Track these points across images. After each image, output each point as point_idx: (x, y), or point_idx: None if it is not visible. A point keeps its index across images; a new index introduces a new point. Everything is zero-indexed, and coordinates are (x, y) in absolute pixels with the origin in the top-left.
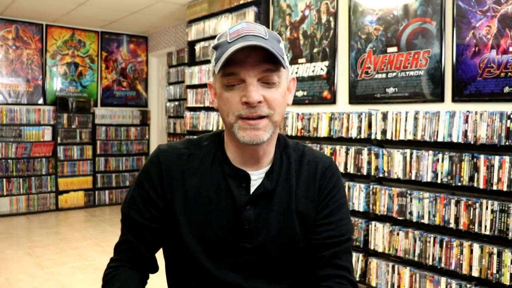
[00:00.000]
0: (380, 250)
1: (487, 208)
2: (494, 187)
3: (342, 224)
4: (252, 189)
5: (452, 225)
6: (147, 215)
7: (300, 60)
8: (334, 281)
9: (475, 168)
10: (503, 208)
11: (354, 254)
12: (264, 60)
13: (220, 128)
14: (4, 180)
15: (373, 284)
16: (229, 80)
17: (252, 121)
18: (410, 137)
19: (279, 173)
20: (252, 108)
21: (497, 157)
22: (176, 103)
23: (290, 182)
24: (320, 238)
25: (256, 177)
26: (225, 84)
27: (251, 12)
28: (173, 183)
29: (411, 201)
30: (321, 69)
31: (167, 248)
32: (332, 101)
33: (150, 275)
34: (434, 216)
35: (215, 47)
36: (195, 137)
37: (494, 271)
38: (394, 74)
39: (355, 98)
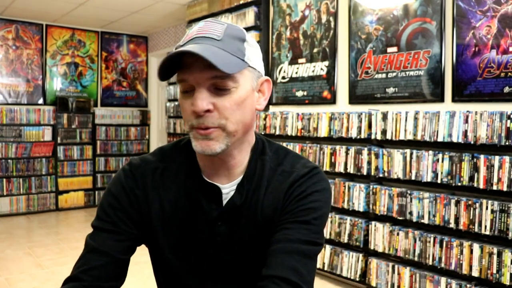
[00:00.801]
0: (380, 250)
1: (487, 208)
2: (494, 187)
3: (306, 228)
4: (224, 202)
5: (452, 225)
6: (118, 230)
7: (300, 60)
8: (273, 281)
9: (475, 168)
10: (503, 208)
11: (354, 254)
12: (211, 65)
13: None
14: (4, 180)
15: (373, 284)
16: (183, 86)
17: (203, 131)
18: (410, 137)
19: (251, 184)
20: (200, 118)
21: (497, 157)
22: (176, 103)
23: (259, 193)
24: (277, 235)
25: (228, 189)
26: (181, 90)
27: (251, 12)
28: (148, 198)
29: (411, 201)
30: (321, 69)
31: (153, 262)
32: (332, 101)
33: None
34: (434, 216)
35: (176, 48)
36: (167, 144)
37: (494, 271)
38: (394, 74)
39: (355, 98)
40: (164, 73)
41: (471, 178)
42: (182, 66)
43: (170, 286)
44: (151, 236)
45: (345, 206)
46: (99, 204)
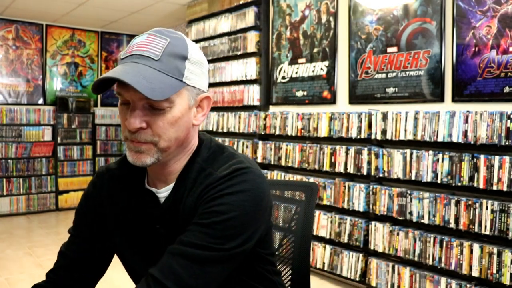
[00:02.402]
0: (380, 250)
1: (487, 208)
2: (494, 187)
3: (204, 231)
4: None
5: (452, 225)
6: (83, 235)
7: (300, 60)
8: (147, 281)
9: (475, 168)
10: (503, 208)
11: (354, 254)
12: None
13: (220, 128)
14: (4, 180)
15: (373, 284)
16: (121, 99)
17: (135, 143)
18: (410, 137)
19: (184, 187)
20: (133, 134)
21: (497, 157)
22: None
23: (185, 195)
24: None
25: (164, 194)
26: (120, 101)
27: (251, 12)
28: (103, 204)
29: (411, 201)
30: (321, 69)
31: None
32: (332, 101)
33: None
34: (434, 216)
35: (120, 57)
36: None
37: (494, 271)
38: (394, 74)
39: (355, 98)
40: (100, 88)
41: (471, 178)
42: (120, 81)
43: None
44: (111, 240)
45: (345, 206)
46: (77, 207)
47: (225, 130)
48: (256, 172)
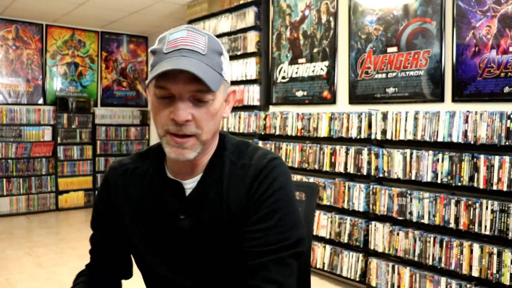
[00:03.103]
0: (380, 250)
1: (487, 208)
2: (494, 187)
3: (274, 232)
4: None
5: (452, 225)
6: (103, 229)
7: (300, 60)
8: None
9: (475, 168)
10: (503, 208)
11: (354, 254)
12: (196, 79)
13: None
14: (4, 180)
15: (373, 284)
16: (161, 93)
17: (179, 139)
18: (410, 137)
19: (212, 179)
20: (179, 126)
21: (497, 157)
22: None
23: (222, 187)
24: (248, 246)
25: (190, 185)
26: (157, 94)
27: (251, 12)
28: (119, 198)
29: (411, 201)
30: (321, 69)
31: (135, 261)
32: (332, 101)
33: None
34: (434, 216)
35: (153, 52)
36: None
37: (494, 271)
38: (394, 74)
39: (355, 98)
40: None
41: (471, 178)
42: (164, 74)
43: (151, 283)
44: (124, 233)
45: (345, 206)
46: (93, 207)
47: (225, 130)
48: (282, 160)
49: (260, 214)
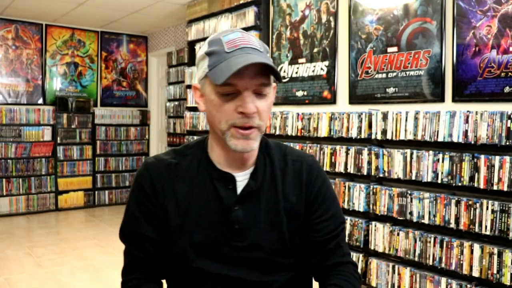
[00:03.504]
0: (380, 250)
1: (487, 208)
2: (495, 187)
3: (337, 216)
4: (239, 190)
5: (452, 225)
6: (152, 228)
7: (300, 60)
8: (342, 267)
9: (476, 168)
10: (504, 208)
11: (354, 255)
12: (260, 74)
13: None
14: (4, 180)
15: (373, 284)
16: (225, 90)
17: (245, 131)
18: (410, 137)
19: (264, 173)
20: (246, 118)
21: (497, 157)
22: (176, 103)
23: (276, 181)
24: (322, 235)
25: (242, 178)
26: (219, 92)
27: (251, 12)
28: (165, 192)
29: (411, 201)
30: (321, 69)
31: (171, 260)
32: (332, 101)
33: None
34: (434, 216)
35: (209, 54)
36: (182, 145)
37: (495, 271)
38: (394, 74)
39: (355, 98)
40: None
41: (471, 178)
42: (229, 71)
43: (186, 277)
44: (167, 226)
45: (345, 206)
46: (127, 210)
47: None
48: None
49: (325, 205)
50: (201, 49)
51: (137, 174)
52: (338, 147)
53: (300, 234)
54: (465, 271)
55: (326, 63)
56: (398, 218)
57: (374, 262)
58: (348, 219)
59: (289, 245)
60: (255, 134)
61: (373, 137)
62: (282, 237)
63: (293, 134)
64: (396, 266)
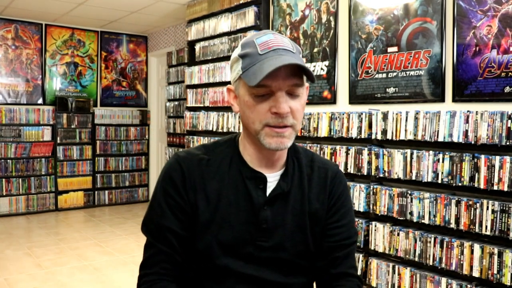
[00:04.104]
0: (380, 250)
1: (487, 208)
2: (495, 187)
3: (351, 226)
4: (268, 190)
5: (452, 225)
6: (178, 222)
7: None
8: (347, 279)
9: (476, 168)
10: (504, 208)
11: (355, 254)
12: (293, 74)
13: (219, 128)
14: (4, 180)
15: (374, 284)
16: (259, 91)
17: (279, 129)
18: (410, 137)
19: (293, 176)
20: (280, 118)
21: (497, 157)
22: (176, 103)
23: (303, 185)
24: (334, 241)
25: (272, 179)
26: (253, 93)
27: (251, 12)
28: (196, 187)
29: (411, 201)
30: (321, 69)
31: (195, 256)
32: (332, 101)
33: None
34: (434, 216)
35: (242, 56)
36: (212, 140)
37: (495, 272)
38: (395, 74)
39: (355, 98)
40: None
41: (471, 178)
42: (263, 73)
43: (208, 273)
44: (198, 222)
45: None
46: (154, 202)
47: (225, 130)
48: None
49: (342, 211)
50: (234, 51)
51: (167, 166)
52: (338, 147)
53: (321, 238)
54: (465, 271)
55: (326, 63)
56: (398, 218)
57: (374, 262)
58: None
59: (312, 248)
60: (289, 133)
61: (373, 137)
62: (305, 240)
63: None
64: (396, 266)
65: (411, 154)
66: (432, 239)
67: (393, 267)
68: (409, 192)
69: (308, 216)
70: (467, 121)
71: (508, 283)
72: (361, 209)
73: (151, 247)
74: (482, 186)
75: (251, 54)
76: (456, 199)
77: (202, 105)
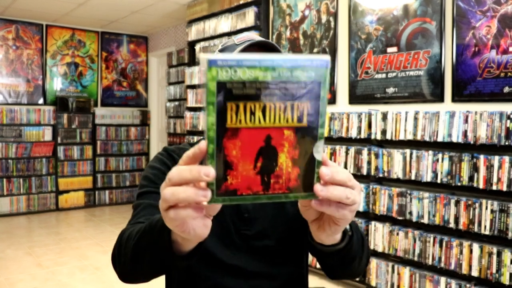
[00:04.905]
0: (380, 250)
1: (486, 208)
2: (494, 187)
3: None
4: None
5: (451, 225)
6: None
7: None
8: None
9: (475, 168)
10: (503, 208)
11: None
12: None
13: None
14: (5, 180)
15: (373, 284)
16: None
17: None
18: (410, 137)
19: None
20: None
21: (496, 157)
22: (176, 103)
23: None
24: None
25: None
26: None
27: (251, 12)
28: None
29: (410, 201)
30: None
31: None
32: (332, 101)
33: None
34: (433, 216)
35: (221, 50)
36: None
37: (494, 271)
38: (394, 74)
39: (355, 98)
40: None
41: (470, 178)
42: None
43: (202, 264)
44: None
45: None
46: (142, 178)
47: None
48: None
49: None
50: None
51: (158, 155)
52: (337, 147)
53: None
54: (465, 270)
55: None
56: (398, 218)
57: (373, 261)
58: None
59: (295, 233)
60: None
61: (372, 137)
62: (286, 228)
63: None
64: (396, 266)
65: (411, 154)
66: (431, 238)
67: (393, 267)
68: (408, 192)
69: (289, 204)
70: (466, 121)
71: (507, 283)
72: (361, 209)
73: (138, 205)
74: (481, 186)
75: (229, 46)
76: (455, 199)
77: (202, 105)
